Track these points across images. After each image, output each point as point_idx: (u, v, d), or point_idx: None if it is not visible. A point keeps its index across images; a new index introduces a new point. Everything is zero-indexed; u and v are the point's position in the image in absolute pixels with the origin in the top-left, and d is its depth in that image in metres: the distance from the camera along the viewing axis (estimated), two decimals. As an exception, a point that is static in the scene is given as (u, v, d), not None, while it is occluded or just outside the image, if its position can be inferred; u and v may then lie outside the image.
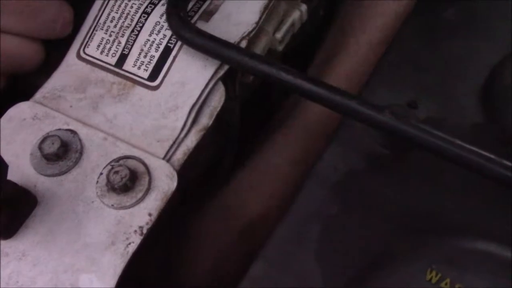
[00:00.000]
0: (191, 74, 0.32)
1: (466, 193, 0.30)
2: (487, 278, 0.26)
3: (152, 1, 0.34)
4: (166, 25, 0.33)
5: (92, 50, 0.34)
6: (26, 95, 0.33)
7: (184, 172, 0.31)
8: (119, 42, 0.34)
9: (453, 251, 0.27)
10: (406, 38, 0.36)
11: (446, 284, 0.26)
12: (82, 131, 0.32)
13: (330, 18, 0.45)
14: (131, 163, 0.30)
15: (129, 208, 0.29)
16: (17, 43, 0.33)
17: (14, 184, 0.29)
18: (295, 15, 0.38)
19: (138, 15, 0.34)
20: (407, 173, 0.31)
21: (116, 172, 0.29)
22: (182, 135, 0.32)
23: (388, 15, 0.40)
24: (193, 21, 0.34)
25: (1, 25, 0.32)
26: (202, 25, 0.33)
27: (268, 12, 0.34)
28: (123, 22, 0.34)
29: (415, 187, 0.30)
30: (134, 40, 0.34)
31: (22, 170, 0.30)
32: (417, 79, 0.35)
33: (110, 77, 0.33)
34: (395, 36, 0.37)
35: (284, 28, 0.37)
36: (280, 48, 0.38)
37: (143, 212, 0.29)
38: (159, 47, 0.33)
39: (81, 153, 0.31)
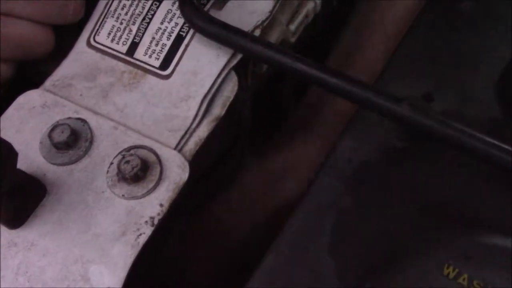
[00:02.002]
0: (204, 63, 0.32)
1: (484, 187, 0.29)
2: (506, 275, 0.26)
3: (164, -12, 0.33)
4: (178, 13, 0.33)
5: (102, 38, 0.33)
6: (35, 83, 0.33)
7: (196, 162, 0.31)
8: (130, 30, 0.33)
9: (471, 246, 0.27)
10: (421, 30, 0.36)
11: (463, 280, 0.26)
12: (92, 120, 0.31)
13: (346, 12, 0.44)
14: (142, 152, 0.30)
15: (140, 198, 0.29)
16: (27, 28, 0.32)
17: (23, 173, 0.28)
18: (309, 6, 0.37)
19: (149, 2, 0.33)
20: (423, 166, 0.31)
21: (127, 162, 0.29)
22: (194, 125, 0.31)
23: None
24: (205, 9, 0.33)
25: (11, 9, 0.32)
26: (215, 13, 0.33)
27: (281, 1, 0.34)
28: (134, 9, 0.33)
29: (431, 181, 0.30)
30: (146, 28, 0.33)
31: (32, 159, 0.30)
32: (432, 71, 0.34)
33: (121, 65, 0.33)
34: (410, 27, 0.37)
35: (298, 19, 0.36)
36: (293, 39, 0.37)
37: (154, 203, 0.29)
38: (171, 35, 0.33)
39: (91, 142, 0.30)
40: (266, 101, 0.41)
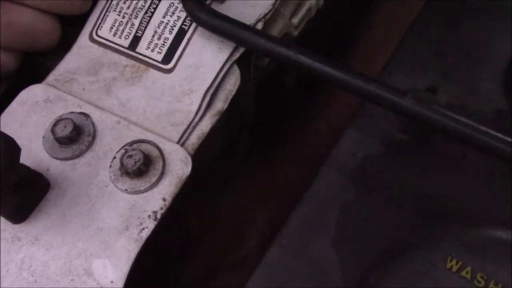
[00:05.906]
0: (206, 57, 0.32)
1: (488, 180, 0.29)
2: (510, 268, 0.26)
3: (166, -18, 0.33)
4: (180, 6, 0.32)
5: (105, 32, 0.33)
6: (38, 77, 0.33)
7: (199, 156, 0.31)
8: (133, 24, 0.33)
9: (474, 239, 0.27)
10: (426, 22, 0.36)
11: (467, 272, 0.26)
12: (95, 114, 0.31)
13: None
14: (145, 147, 0.30)
15: (143, 192, 0.29)
16: (34, 17, 0.32)
17: (26, 168, 0.29)
18: (312, 0, 0.37)
19: (151, -4, 0.33)
20: (427, 159, 0.30)
21: (130, 156, 0.29)
22: (196, 119, 0.31)
23: None
24: (207, 2, 0.33)
25: None
26: (217, 6, 0.32)
27: (285, -6, 0.33)
28: (137, 3, 0.33)
29: (435, 174, 0.30)
30: (148, 22, 0.33)
31: (35, 154, 0.30)
32: (437, 64, 0.34)
33: (123, 59, 0.33)
34: (414, 20, 0.36)
35: (301, 13, 0.36)
36: (296, 33, 0.37)
37: (157, 197, 0.29)
38: (173, 29, 0.32)
39: (94, 137, 0.30)
40: (270, 93, 0.41)
